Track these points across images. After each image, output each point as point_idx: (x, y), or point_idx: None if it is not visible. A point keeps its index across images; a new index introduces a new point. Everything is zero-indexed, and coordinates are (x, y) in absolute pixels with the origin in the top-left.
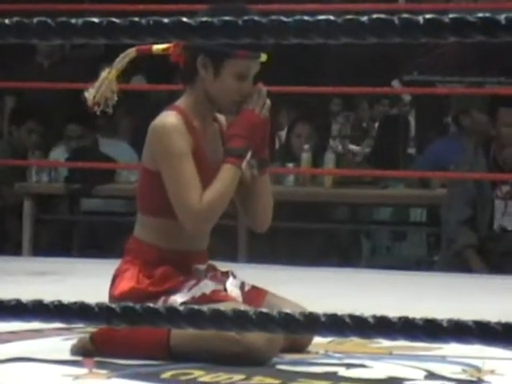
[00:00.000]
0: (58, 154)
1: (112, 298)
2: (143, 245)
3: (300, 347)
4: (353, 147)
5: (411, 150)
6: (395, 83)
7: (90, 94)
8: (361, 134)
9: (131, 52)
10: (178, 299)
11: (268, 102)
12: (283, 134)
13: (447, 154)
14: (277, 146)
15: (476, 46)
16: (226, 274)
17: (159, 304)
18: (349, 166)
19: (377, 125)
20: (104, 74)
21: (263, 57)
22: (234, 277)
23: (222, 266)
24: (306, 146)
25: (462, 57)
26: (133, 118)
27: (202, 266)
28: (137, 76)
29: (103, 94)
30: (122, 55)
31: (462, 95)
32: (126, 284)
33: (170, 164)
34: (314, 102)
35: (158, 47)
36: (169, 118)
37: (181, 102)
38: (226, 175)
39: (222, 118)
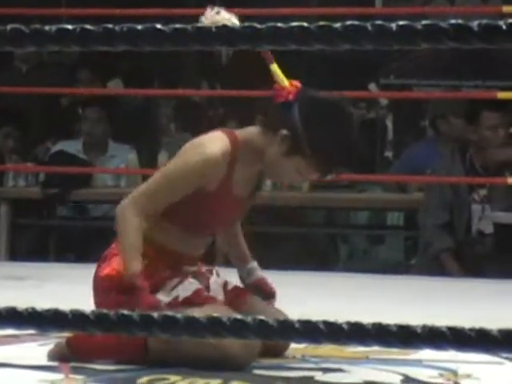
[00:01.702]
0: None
1: (97, 276)
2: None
3: (277, 352)
4: None
5: (388, 154)
6: (372, 87)
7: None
8: None
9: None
10: (160, 298)
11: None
12: None
13: (424, 158)
14: None
15: (453, 50)
16: (210, 271)
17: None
18: None
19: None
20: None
21: (329, 176)
22: (218, 275)
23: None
24: None
25: (439, 60)
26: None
27: (192, 268)
28: (113, 80)
29: None
30: None
31: (439, 99)
32: (113, 268)
33: (173, 169)
34: None
35: (280, 77)
36: (218, 145)
37: (244, 134)
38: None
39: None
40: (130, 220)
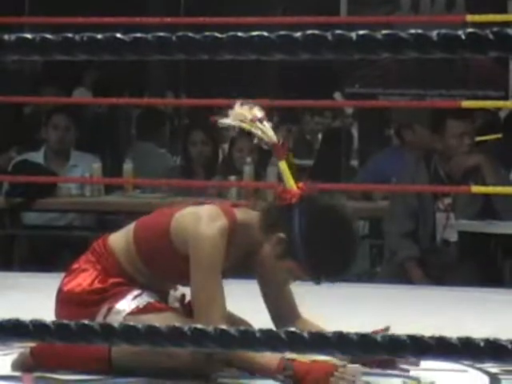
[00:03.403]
0: None
1: (61, 290)
2: (111, 257)
3: None
4: (295, 160)
5: (354, 163)
6: (337, 96)
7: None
8: (304, 147)
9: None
10: (123, 308)
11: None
12: (226, 146)
13: (389, 167)
14: (220, 159)
15: (417, 58)
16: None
17: (103, 310)
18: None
19: (320, 137)
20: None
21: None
22: (176, 289)
23: None
24: (249, 159)
25: (404, 69)
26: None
27: None
28: (79, 89)
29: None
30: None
31: (404, 108)
32: (78, 284)
33: (202, 275)
34: None
35: (287, 178)
36: (217, 228)
37: (244, 217)
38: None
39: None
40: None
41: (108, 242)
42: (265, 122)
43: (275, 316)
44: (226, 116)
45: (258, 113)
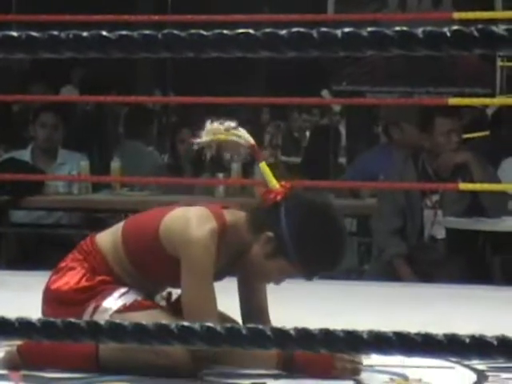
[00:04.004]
0: None
1: (48, 289)
2: (99, 255)
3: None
4: (283, 158)
5: (342, 160)
6: (325, 93)
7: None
8: (292, 144)
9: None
10: (109, 306)
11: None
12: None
13: (377, 164)
14: (208, 156)
15: (404, 56)
16: None
17: (90, 309)
18: (280, 176)
19: (308, 134)
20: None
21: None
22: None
23: None
24: (236, 157)
25: (391, 67)
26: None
27: None
28: (66, 87)
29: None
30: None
31: (391, 105)
32: (65, 283)
33: (194, 279)
34: (244, 111)
35: (269, 178)
36: (207, 231)
37: (233, 220)
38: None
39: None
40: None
41: (96, 241)
42: (239, 128)
43: (246, 317)
44: (199, 136)
45: (231, 123)
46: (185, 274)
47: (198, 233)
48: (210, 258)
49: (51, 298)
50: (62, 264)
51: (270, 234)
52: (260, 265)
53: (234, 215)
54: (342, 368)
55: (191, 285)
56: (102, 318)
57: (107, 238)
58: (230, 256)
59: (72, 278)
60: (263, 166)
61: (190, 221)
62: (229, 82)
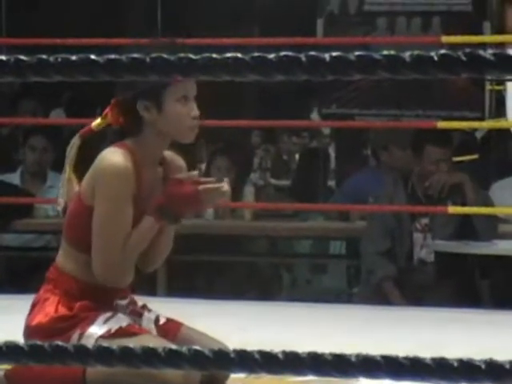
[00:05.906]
0: None
1: (28, 326)
2: (64, 275)
3: (218, 382)
4: (273, 180)
5: (331, 183)
6: (314, 116)
7: (61, 204)
8: (281, 167)
9: (75, 141)
10: (94, 331)
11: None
12: (203, 166)
13: (366, 187)
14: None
15: (393, 79)
16: (143, 308)
17: (75, 336)
18: (269, 198)
19: (297, 157)
20: (63, 176)
21: None
22: (149, 310)
23: (141, 301)
24: (226, 179)
25: (380, 90)
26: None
27: (124, 302)
28: (55, 110)
29: (69, 194)
30: (68, 149)
31: (381, 128)
32: (45, 315)
33: (106, 207)
34: (234, 134)
35: (96, 123)
36: (118, 157)
37: (131, 142)
38: (146, 226)
39: (173, 158)
40: (121, 258)
41: (57, 265)
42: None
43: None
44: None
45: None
46: (100, 200)
47: (110, 159)
48: (127, 181)
49: (33, 334)
50: (35, 300)
51: (140, 104)
52: (169, 123)
53: (130, 139)
54: (210, 198)
55: (101, 205)
56: (88, 344)
57: (62, 255)
58: (153, 173)
59: (49, 308)
60: (95, 124)
61: (99, 158)
62: (218, 104)
